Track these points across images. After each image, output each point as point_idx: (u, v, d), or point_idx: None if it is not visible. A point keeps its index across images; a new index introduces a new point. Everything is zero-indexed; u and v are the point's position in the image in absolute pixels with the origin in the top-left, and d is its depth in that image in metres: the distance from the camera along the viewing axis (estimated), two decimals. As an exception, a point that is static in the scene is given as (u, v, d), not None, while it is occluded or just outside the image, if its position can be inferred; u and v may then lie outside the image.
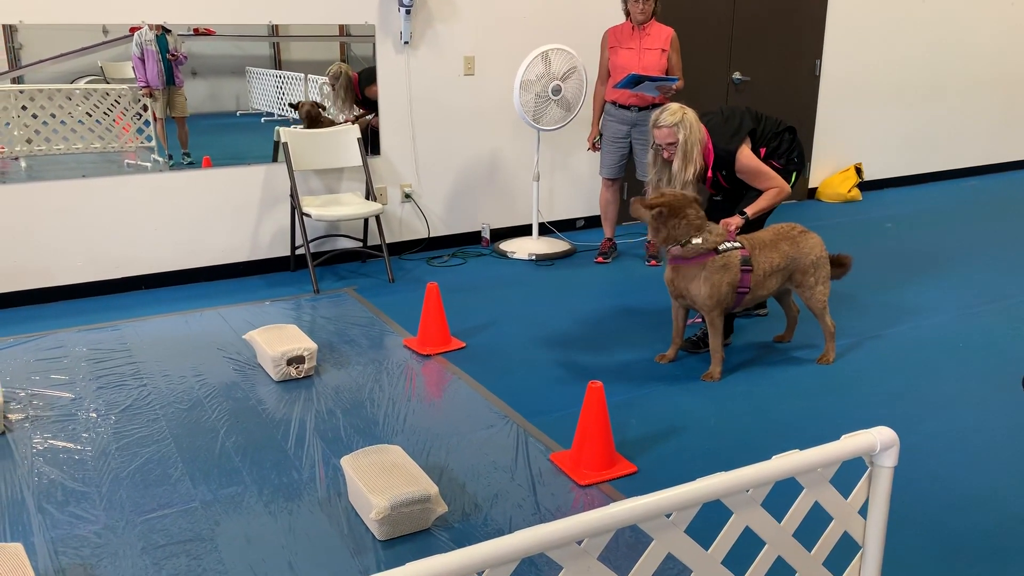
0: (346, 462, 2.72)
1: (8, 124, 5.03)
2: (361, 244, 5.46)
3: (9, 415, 3.26)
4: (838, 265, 3.90)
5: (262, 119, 5.51)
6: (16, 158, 5.08)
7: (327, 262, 5.34)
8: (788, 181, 3.91)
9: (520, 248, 5.62)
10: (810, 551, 1.74)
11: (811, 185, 7.47)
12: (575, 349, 4.03)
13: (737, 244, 3.59)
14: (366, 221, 5.43)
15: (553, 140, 5.93)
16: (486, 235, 5.81)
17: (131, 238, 4.80)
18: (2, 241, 4.47)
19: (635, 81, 5.02)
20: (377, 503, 2.49)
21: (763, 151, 3.90)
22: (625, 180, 5.69)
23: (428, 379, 3.72)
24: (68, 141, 5.43)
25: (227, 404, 3.41)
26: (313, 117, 5.37)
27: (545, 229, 6.02)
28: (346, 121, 5.40)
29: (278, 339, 3.74)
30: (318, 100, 5.48)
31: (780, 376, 3.73)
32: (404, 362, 3.86)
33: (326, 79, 5.42)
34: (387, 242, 5.19)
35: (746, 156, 3.83)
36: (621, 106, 5.26)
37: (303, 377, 3.65)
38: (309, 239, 5.00)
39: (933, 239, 6.10)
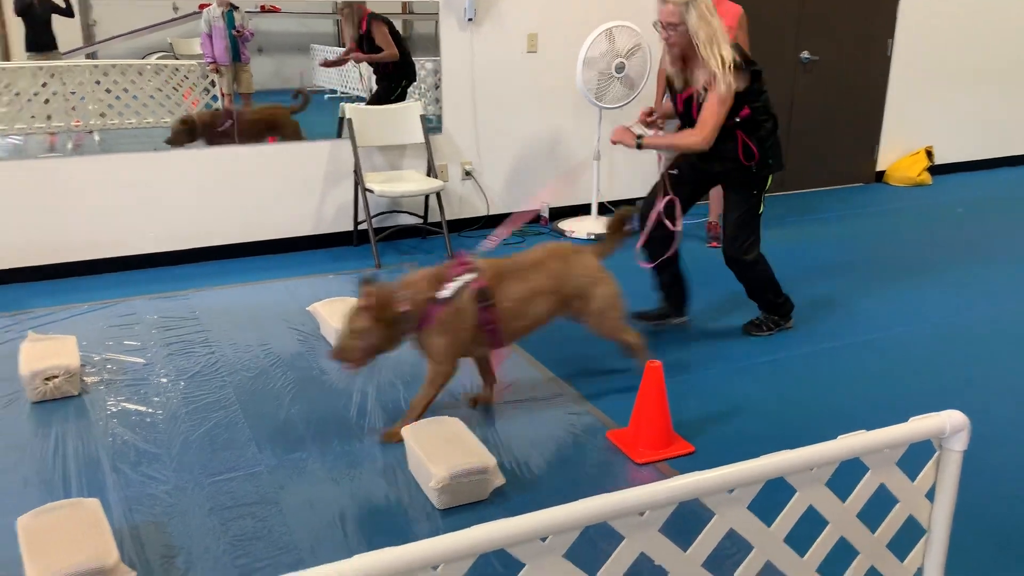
0: (407, 432, 2.77)
1: (83, 98, 5.20)
2: (422, 220, 5.51)
3: (85, 378, 3.40)
4: (616, 228, 3.39)
5: (325, 96, 5.58)
6: (90, 131, 5.25)
7: (389, 237, 5.41)
8: (764, 182, 3.63)
9: (579, 227, 5.61)
10: (873, 533, 1.72)
11: (879, 168, 7.29)
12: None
13: (468, 276, 2.93)
14: (427, 197, 5.48)
15: (615, 118, 5.89)
16: (545, 214, 5.80)
17: (199, 211, 4.92)
18: (77, 211, 4.63)
19: None
20: (437, 473, 2.53)
21: (747, 111, 3.49)
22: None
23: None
24: (139, 115, 5.58)
25: (291, 373, 3.49)
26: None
27: (604, 209, 5.99)
28: (344, 57, 5.43)
29: (341, 312, 3.81)
30: (373, 79, 5.53)
31: (841, 361, 3.67)
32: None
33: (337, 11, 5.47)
34: (447, 219, 5.23)
35: (727, 89, 3.37)
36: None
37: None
38: (372, 214, 5.06)
39: (1005, 225, 5.90)
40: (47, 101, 5.88)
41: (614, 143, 3.65)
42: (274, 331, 3.93)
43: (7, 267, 4.51)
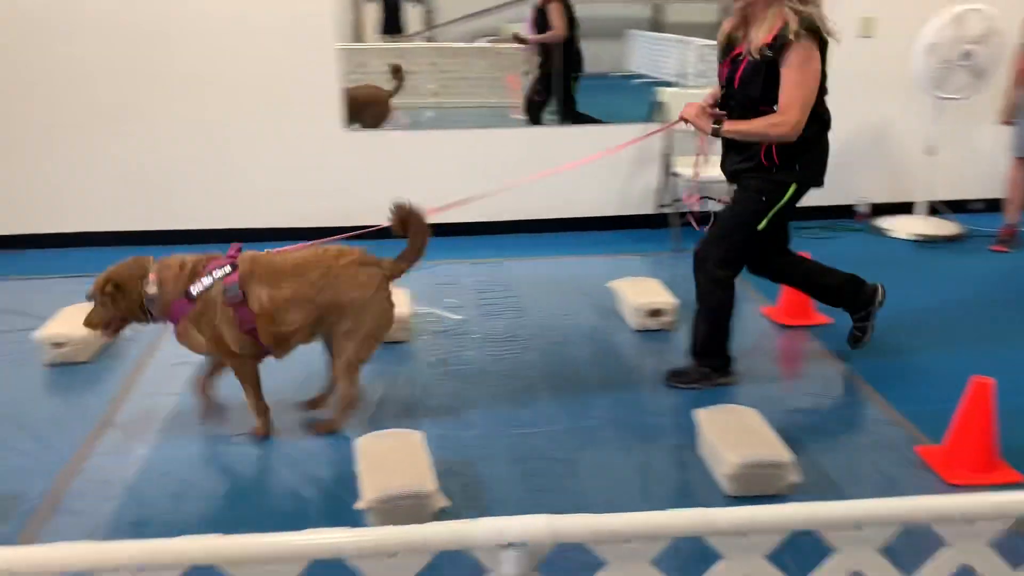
0: (701, 415, 2.78)
1: (421, 78, 5.74)
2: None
3: (412, 328, 3.80)
4: (414, 231, 2.84)
5: (634, 81, 5.67)
6: (424, 108, 5.81)
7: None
8: (780, 191, 2.97)
9: (901, 227, 5.20)
10: None
11: None
12: (955, 341, 3.67)
13: (223, 271, 2.68)
14: (734, 185, 5.38)
15: (954, 110, 5.35)
16: (862, 210, 5.44)
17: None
18: (410, 180, 5.12)
19: None
20: (730, 459, 2.52)
21: None
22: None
23: (786, 350, 3.64)
24: (466, 95, 6.07)
25: (589, 345, 3.64)
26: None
27: (932, 209, 5.48)
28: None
29: (641, 291, 3.90)
30: (696, 64, 5.50)
31: None
32: (762, 330, 3.81)
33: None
34: (755, 208, 5.09)
35: (807, 51, 2.76)
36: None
37: (660, 329, 3.76)
38: (676, 199, 5.08)
39: None
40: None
41: (685, 121, 3.13)
42: (575, 303, 4.11)
43: (353, 224, 5.12)
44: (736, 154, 3.06)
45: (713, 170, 4.91)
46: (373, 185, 5.06)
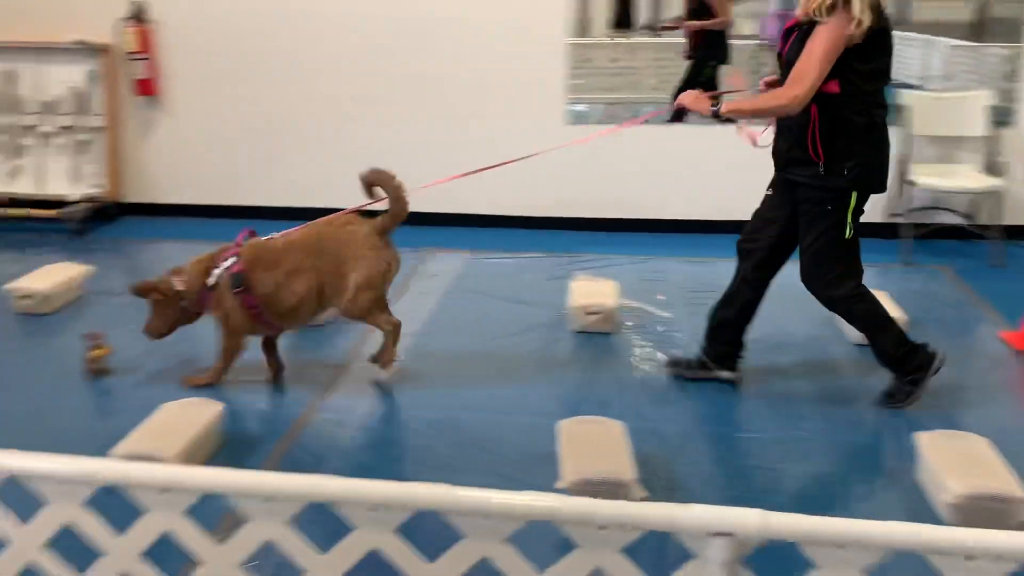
0: (924, 439, 2.60)
1: (616, 74, 5.73)
2: (968, 222, 5.00)
3: (618, 320, 3.83)
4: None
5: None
6: (645, 104, 5.79)
7: (925, 235, 5.02)
8: (841, 197, 2.72)
9: None
10: None
11: None
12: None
13: (229, 262, 2.99)
14: (981, 197, 4.94)
15: None
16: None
17: (724, 186, 5.08)
18: (626, 174, 5.13)
19: None
20: (954, 488, 2.35)
21: (835, 86, 2.61)
22: None
23: (1026, 379, 3.32)
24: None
25: (803, 354, 3.51)
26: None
27: None
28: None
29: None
30: (943, 66, 5.10)
31: None
32: (998, 354, 3.50)
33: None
34: (1005, 223, 4.66)
35: (847, 22, 2.51)
36: None
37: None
38: (910, 208, 4.75)
39: None
40: (617, 75, 6.60)
41: (683, 109, 2.99)
42: (791, 311, 3.95)
43: (567, 216, 5.23)
44: (783, 140, 2.86)
45: (954, 179, 4.57)
46: (590, 178, 5.14)
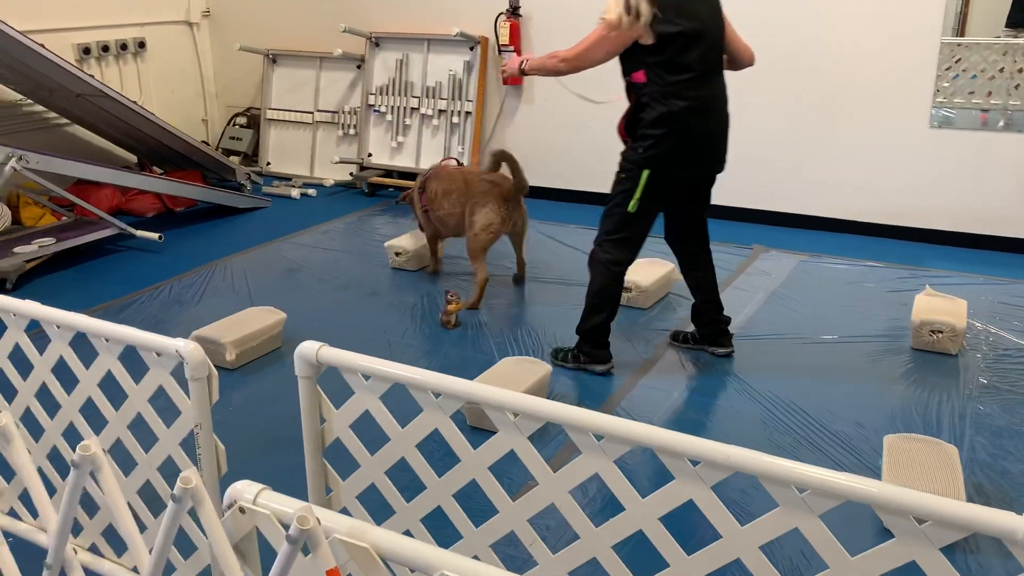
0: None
1: (992, 78, 5.09)
2: None
3: (965, 342, 3.52)
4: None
5: None
6: (1006, 110, 5.15)
7: None
8: (632, 172, 3.03)
9: None
10: None
11: None
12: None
13: (423, 176, 4.33)
14: None
15: None
16: None
17: None
18: (996, 185, 4.65)
19: None
20: None
21: (641, 76, 2.96)
22: None
23: None
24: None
25: None
26: None
27: None
28: None
29: None
30: None
31: None
32: None
33: None
34: None
35: (613, 24, 2.92)
36: None
37: None
38: None
39: None
40: (992, 78, 5.96)
41: (505, 74, 3.36)
42: None
43: (916, 226, 4.87)
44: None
45: None
46: (951, 189, 4.74)
